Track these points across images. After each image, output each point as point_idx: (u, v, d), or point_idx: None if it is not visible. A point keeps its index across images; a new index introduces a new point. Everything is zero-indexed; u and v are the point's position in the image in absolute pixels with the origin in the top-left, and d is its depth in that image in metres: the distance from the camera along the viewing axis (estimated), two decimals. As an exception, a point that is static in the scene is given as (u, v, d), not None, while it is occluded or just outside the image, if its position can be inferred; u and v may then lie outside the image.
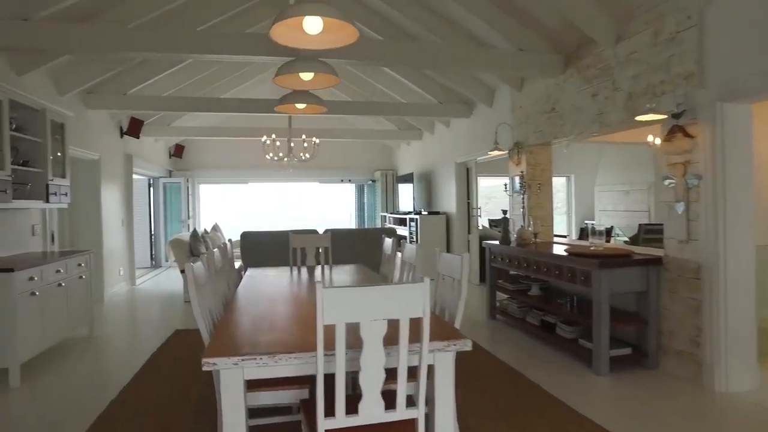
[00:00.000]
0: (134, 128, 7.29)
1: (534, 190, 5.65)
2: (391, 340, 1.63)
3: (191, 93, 7.31)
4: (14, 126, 4.04)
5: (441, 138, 8.67)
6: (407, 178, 9.96)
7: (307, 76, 3.10)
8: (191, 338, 4.58)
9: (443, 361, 1.89)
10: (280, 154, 8.37)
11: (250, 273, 3.81)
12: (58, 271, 4.12)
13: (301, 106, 3.80)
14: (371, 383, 1.64)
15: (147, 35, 4.25)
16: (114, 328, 5.27)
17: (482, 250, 7.43)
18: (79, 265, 4.55)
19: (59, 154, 4.76)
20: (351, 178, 11.96)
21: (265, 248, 5.97)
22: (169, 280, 8.56)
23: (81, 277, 4.58)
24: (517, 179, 5.83)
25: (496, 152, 5.80)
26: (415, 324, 1.64)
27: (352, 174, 11.89)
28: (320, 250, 4.29)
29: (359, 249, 6.05)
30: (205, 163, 11.00)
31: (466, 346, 1.88)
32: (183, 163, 10.79)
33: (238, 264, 6.82)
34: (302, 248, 4.27)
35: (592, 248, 3.99)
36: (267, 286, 3.17)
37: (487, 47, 5.25)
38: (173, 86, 6.98)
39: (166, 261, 10.29)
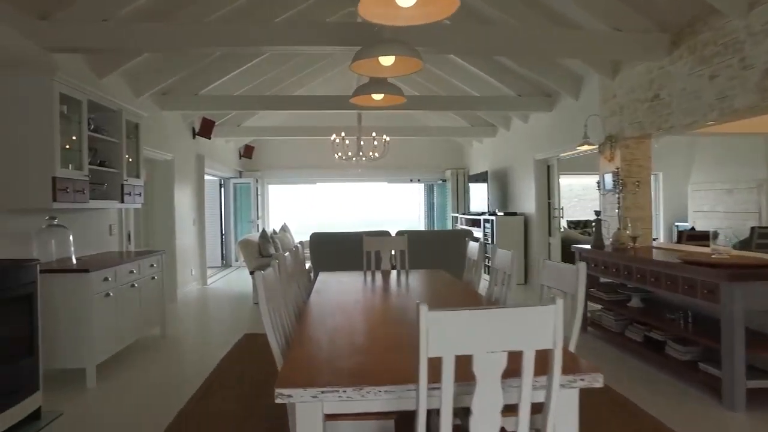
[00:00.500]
0: (206, 129, 7.34)
1: (630, 189, 5.04)
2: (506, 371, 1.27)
3: (261, 92, 7.26)
4: (92, 127, 4.03)
5: (518, 134, 8.13)
6: (480, 177, 9.47)
7: (387, 60, 2.80)
8: (261, 343, 4.42)
9: (567, 400, 1.50)
10: (349, 153, 8.19)
11: (323, 278, 3.56)
12: (131, 271, 4.08)
13: (378, 97, 3.50)
14: (484, 430, 1.28)
15: (223, 29, 4.12)
16: (185, 328, 5.24)
17: (566, 254, 6.84)
18: (152, 265, 4.51)
19: (135, 155, 4.76)
20: (420, 177, 11.62)
21: (335, 250, 5.76)
22: (239, 279, 8.61)
23: (153, 277, 4.54)
24: (609, 177, 5.23)
25: (586, 147, 5.25)
26: (537, 354, 1.27)
27: (421, 173, 11.54)
28: (394, 254, 3.98)
29: (435, 252, 5.69)
30: (274, 164, 11.06)
31: (596, 381, 1.48)
32: (252, 163, 10.91)
33: (307, 265, 6.68)
34: (376, 251, 3.98)
35: (714, 256, 3.40)
36: (341, 294, 2.89)
37: (574, 29, 4.71)
38: (244, 86, 6.95)
39: (236, 261, 10.42)
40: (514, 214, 7.90)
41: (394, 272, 3.83)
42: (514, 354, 1.25)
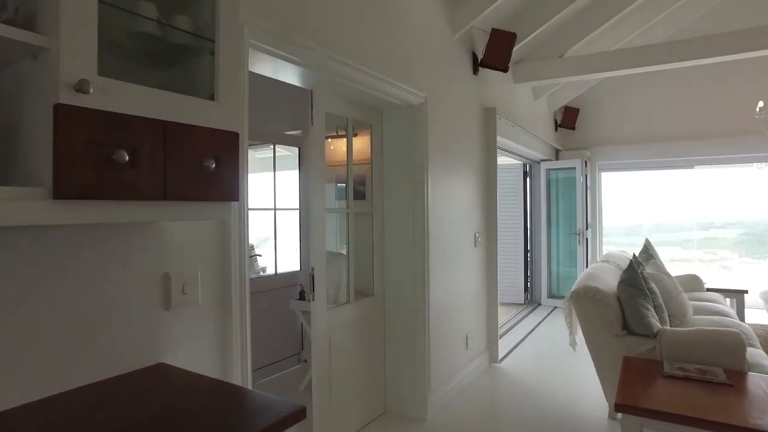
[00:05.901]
0: (498, 49, 3.58)
1: None
2: None
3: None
4: None
5: None
6: None
7: None
8: None
9: None
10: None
11: None
12: None
13: None
14: None
15: None
16: None
17: None
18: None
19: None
20: None
21: None
22: (557, 350, 4.57)
23: None
24: None
25: None
26: None
27: None
28: None
29: None
30: (611, 137, 6.58)
31: None
32: (576, 138, 6.70)
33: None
34: None
35: None
36: None
37: None
38: None
39: (549, 297, 6.40)
40: None
41: None
42: None
